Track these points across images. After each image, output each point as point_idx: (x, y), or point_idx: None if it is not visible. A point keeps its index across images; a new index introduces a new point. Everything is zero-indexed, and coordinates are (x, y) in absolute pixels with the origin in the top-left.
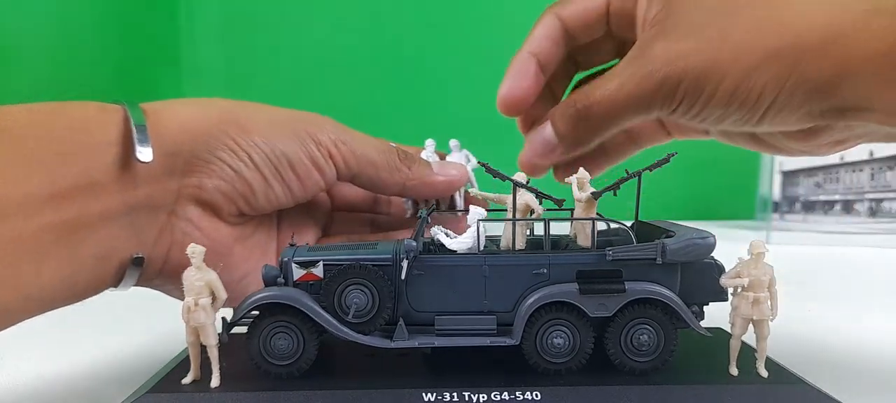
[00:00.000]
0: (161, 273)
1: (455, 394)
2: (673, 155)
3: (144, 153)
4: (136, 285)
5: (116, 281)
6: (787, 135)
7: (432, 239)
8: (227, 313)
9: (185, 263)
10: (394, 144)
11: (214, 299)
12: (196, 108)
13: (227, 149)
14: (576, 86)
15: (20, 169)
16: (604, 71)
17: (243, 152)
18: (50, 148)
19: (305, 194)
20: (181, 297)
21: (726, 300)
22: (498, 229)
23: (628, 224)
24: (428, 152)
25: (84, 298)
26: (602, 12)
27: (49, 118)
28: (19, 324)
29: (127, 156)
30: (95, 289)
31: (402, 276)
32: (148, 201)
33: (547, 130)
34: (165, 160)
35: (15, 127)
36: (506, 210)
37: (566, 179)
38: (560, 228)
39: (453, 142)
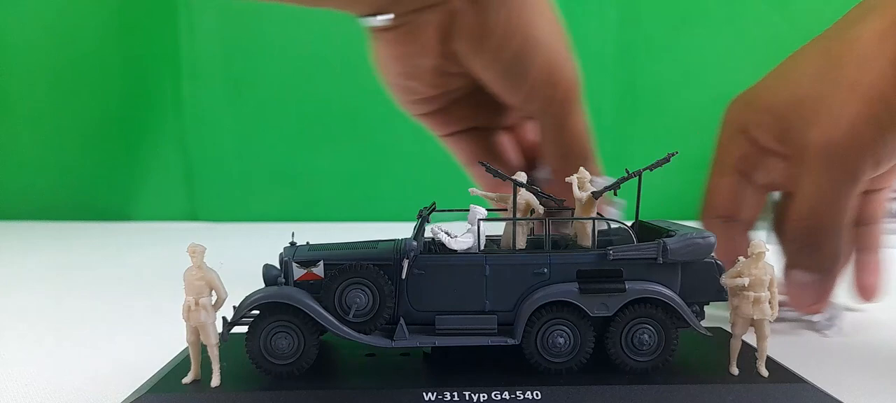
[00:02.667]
0: None
1: (455, 394)
2: (673, 154)
3: None
4: None
5: None
6: None
7: (433, 239)
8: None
9: None
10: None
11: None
12: None
13: None
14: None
15: None
16: None
17: None
18: None
19: None
20: None
21: (727, 299)
22: (498, 229)
23: (629, 223)
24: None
25: None
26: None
27: None
28: (17, 324)
29: None
30: None
31: (403, 276)
32: None
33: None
34: None
35: None
36: (506, 210)
37: (566, 179)
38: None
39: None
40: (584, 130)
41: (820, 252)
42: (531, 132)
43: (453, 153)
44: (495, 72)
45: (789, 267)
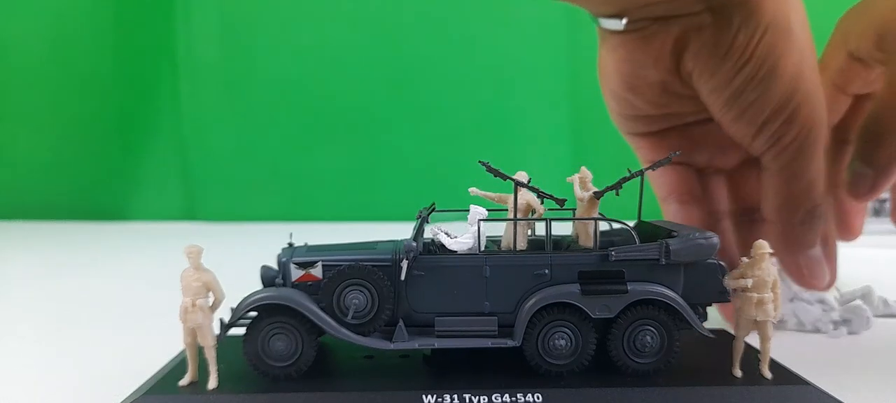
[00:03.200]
0: None
1: (455, 397)
2: (675, 154)
3: None
4: None
5: None
6: None
7: (432, 240)
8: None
9: None
10: None
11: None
12: None
13: None
14: None
15: None
16: None
17: None
18: None
19: None
20: None
21: (729, 301)
22: (499, 229)
23: (631, 224)
24: None
25: None
26: None
27: None
28: (15, 324)
29: None
30: None
31: (402, 277)
32: None
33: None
34: None
35: None
36: (506, 210)
37: (568, 178)
38: (561, 228)
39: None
40: (816, 181)
41: (880, 148)
42: (753, 179)
43: (654, 183)
44: (724, 97)
45: (853, 158)
